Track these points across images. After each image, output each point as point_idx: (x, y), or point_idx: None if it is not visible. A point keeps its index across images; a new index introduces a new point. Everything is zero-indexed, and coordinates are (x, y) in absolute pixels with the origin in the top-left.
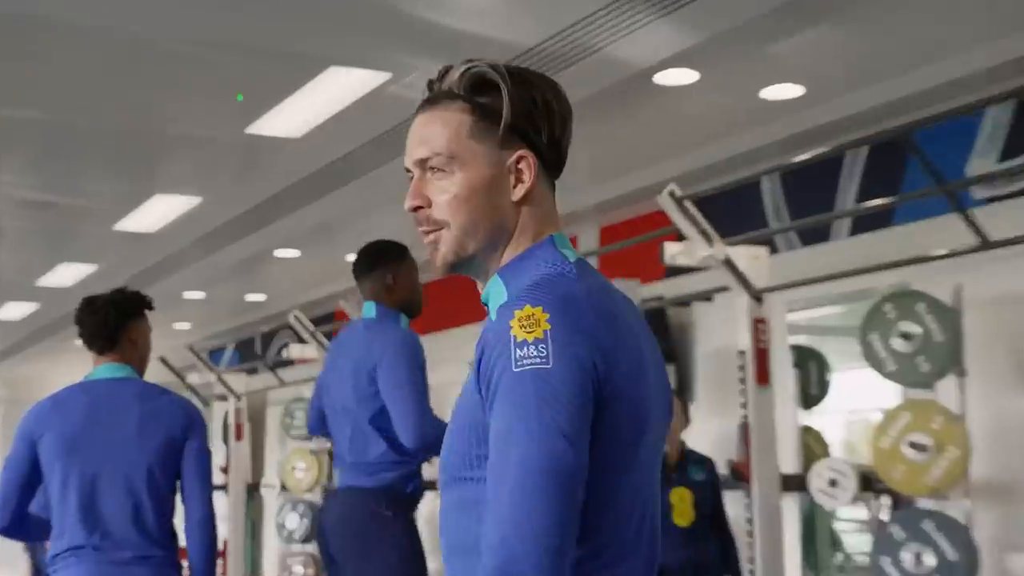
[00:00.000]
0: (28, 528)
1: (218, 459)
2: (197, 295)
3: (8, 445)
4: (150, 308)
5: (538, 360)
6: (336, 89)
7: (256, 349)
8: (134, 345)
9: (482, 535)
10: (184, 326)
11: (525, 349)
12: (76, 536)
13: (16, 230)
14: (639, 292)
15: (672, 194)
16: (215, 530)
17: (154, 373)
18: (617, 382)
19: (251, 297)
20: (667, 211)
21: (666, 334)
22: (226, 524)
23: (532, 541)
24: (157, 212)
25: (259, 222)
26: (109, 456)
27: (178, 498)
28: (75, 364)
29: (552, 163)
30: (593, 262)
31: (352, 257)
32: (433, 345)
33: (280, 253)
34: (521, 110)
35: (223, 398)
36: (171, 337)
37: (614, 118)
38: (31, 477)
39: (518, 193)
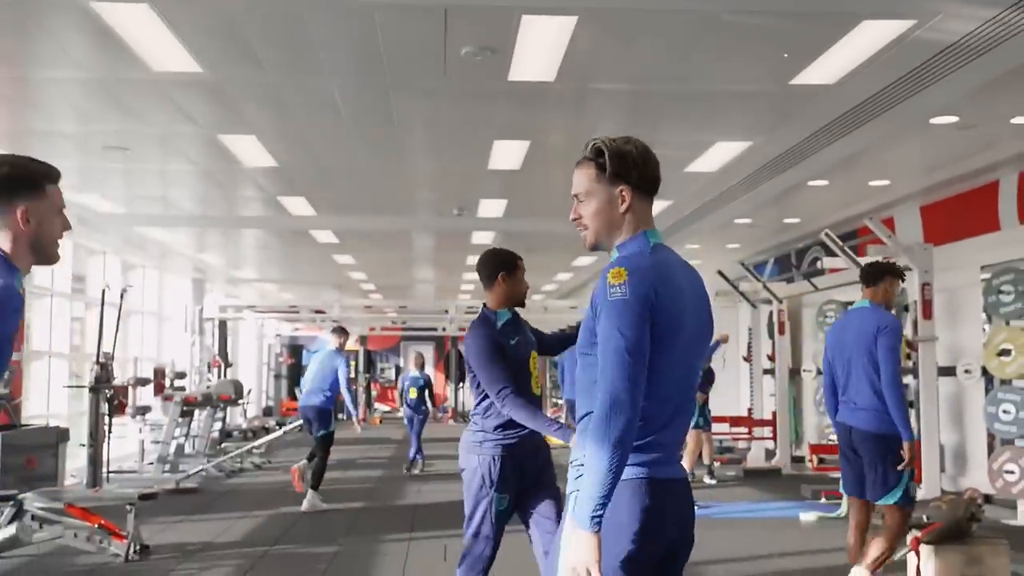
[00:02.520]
0: None
1: (765, 348)
2: (745, 221)
3: None
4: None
5: (619, 294)
6: (867, 39)
7: (792, 262)
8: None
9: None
10: (735, 246)
11: (614, 288)
12: None
13: None
14: None
15: None
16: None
17: (713, 283)
18: (661, 307)
19: (788, 220)
20: None
21: None
22: (774, 400)
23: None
24: (717, 156)
25: (796, 158)
26: None
27: None
28: None
29: (644, 190)
30: None
31: (875, 183)
32: (947, 254)
33: (813, 183)
34: (618, 165)
35: (768, 302)
36: (725, 255)
37: None
38: None
39: (622, 208)
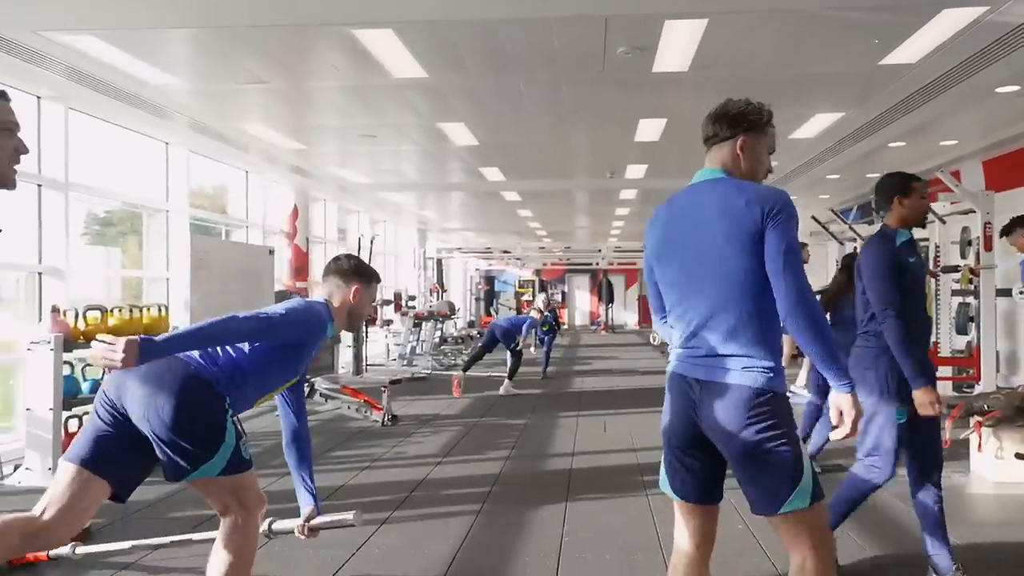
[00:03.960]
0: None
1: None
2: (834, 176)
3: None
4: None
5: None
6: (946, 24)
7: (872, 207)
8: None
9: None
10: (825, 196)
11: None
12: None
13: None
14: None
15: None
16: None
17: (807, 226)
18: (649, 239)
19: (870, 175)
20: None
21: None
22: None
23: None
24: (816, 125)
25: (880, 125)
26: None
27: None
28: None
29: (705, 144)
30: None
31: (945, 143)
32: (1005, 199)
33: (892, 144)
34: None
35: (853, 240)
36: (818, 203)
37: None
38: None
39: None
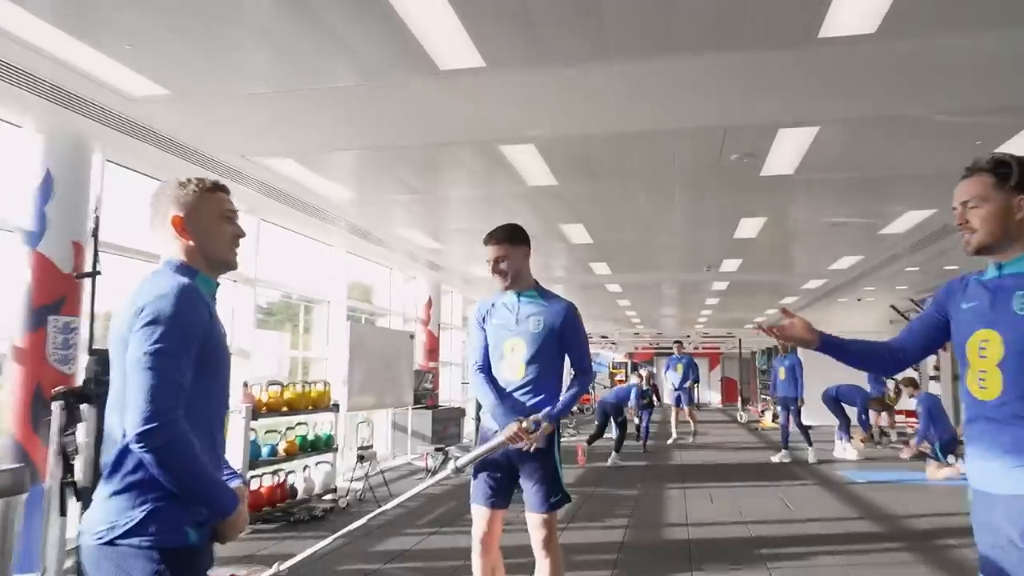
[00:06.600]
0: None
1: (932, 361)
2: (913, 269)
3: None
4: None
5: None
6: None
7: None
8: None
9: None
10: (903, 287)
11: None
12: None
13: (819, 239)
14: None
15: None
16: None
17: (887, 314)
18: None
19: (948, 267)
20: None
21: None
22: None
23: None
24: (906, 221)
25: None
26: None
27: None
28: (839, 313)
29: None
30: None
31: None
32: None
33: None
34: (1020, 177)
35: None
36: (894, 294)
37: None
38: None
39: (1019, 216)
